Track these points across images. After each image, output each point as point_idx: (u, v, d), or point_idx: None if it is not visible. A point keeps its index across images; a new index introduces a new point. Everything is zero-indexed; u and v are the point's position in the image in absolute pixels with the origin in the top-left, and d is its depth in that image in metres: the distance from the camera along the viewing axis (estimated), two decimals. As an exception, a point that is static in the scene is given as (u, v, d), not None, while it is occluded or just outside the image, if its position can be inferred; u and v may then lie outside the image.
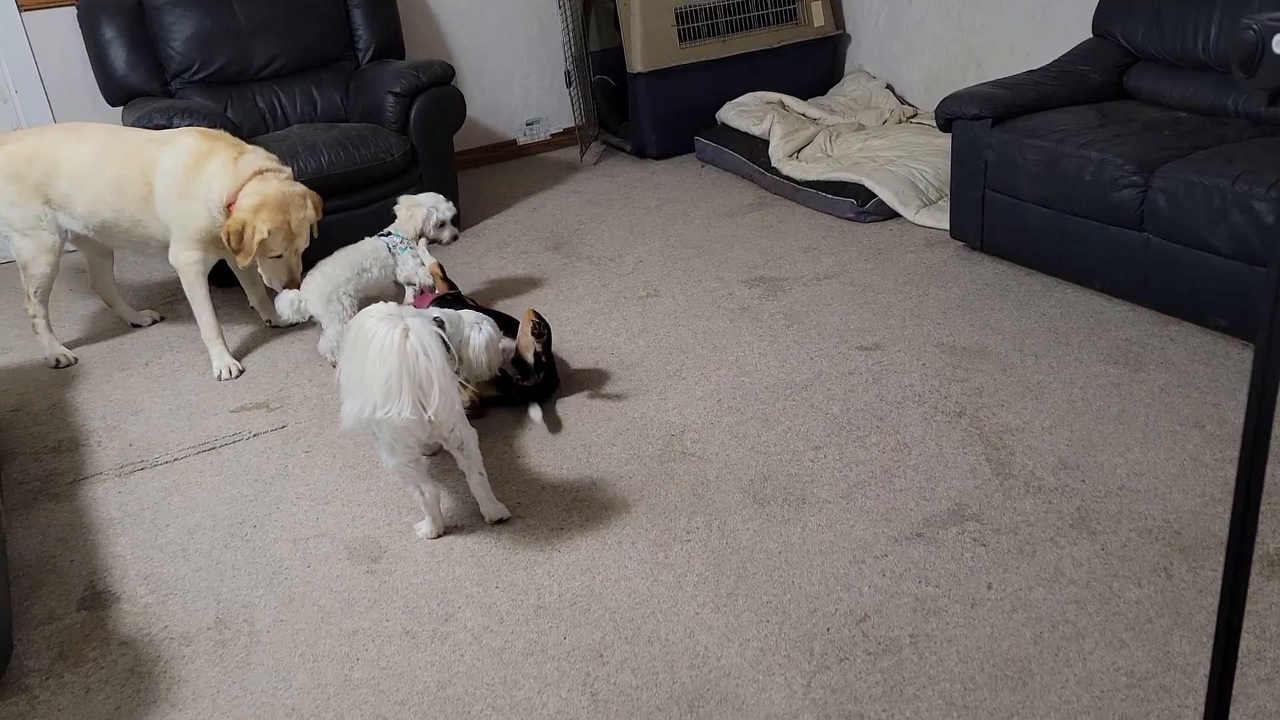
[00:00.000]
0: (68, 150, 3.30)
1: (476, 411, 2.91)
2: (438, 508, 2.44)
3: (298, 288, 3.29)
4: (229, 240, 3.16)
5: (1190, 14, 3.57)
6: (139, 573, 2.44)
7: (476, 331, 2.75)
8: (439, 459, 2.76)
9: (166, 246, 3.37)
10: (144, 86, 4.33)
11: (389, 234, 3.51)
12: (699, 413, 2.93)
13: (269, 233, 3.16)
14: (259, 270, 3.35)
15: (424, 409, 2.17)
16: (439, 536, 2.47)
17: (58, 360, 3.56)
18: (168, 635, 2.22)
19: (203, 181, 3.21)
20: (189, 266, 3.34)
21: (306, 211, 3.27)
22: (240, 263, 3.23)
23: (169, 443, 3.02)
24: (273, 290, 3.39)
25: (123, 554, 2.52)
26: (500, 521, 2.50)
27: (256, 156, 3.26)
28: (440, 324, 2.58)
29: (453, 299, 3.20)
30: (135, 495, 2.77)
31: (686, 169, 5.24)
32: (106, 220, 3.33)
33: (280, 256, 3.26)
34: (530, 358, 2.94)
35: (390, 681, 2.04)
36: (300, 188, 3.28)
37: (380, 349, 2.13)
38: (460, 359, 2.69)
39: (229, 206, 3.19)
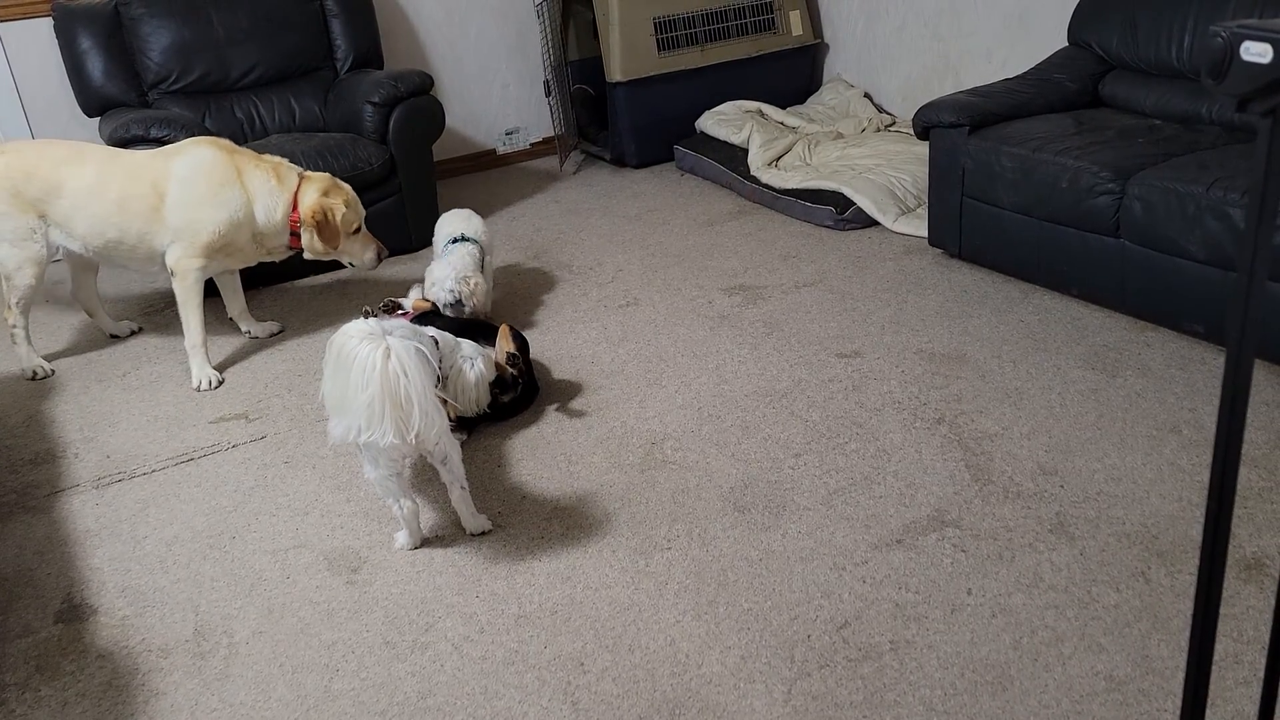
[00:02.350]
0: (69, 172, 3.31)
1: (458, 427, 2.90)
2: (416, 521, 2.43)
3: (388, 253, 3.61)
4: (318, 231, 3.37)
5: (1164, 23, 3.61)
6: (116, 585, 2.42)
7: (469, 366, 2.74)
8: (421, 470, 2.75)
9: None
10: (121, 97, 4.31)
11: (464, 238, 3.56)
12: (679, 421, 2.93)
13: (345, 207, 3.40)
14: (346, 261, 3.54)
15: (407, 430, 2.16)
16: (417, 548, 2.46)
17: (35, 372, 3.53)
18: (145, 648, 2.20)
19: (240, 192, 3.30)
20: (190, 272, 3.34)
21: (348, 187, 3.53)
22: (330, 249, 3.43)
23: (147, 454, 3.00)
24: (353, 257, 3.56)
25: (100, 566, 2.50)
26: (482, 534, 2.50)
27: (289, 166, 3.43)
28: (435, 343, 2.57)
29: (433, 315, 3.18)
30: (113, 507, 2.75)
31: (666, 178, 5.25)
32: (111, 239, 3.34)
33: (359, 230, 3.49)
34: (507, 376, 2.94)
35: (370, 692, 2.03)
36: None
37: (362, 371, 2.11)
38: (445, 384, 2.68)
39: (294, 217, 3.38)
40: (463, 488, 2.42)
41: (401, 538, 2.45)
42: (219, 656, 2.16)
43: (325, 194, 3.38)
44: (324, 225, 3.37)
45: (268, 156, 3.43)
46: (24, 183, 3.28)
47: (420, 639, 2.17)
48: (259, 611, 2.29)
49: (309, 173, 3.45)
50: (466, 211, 3.70)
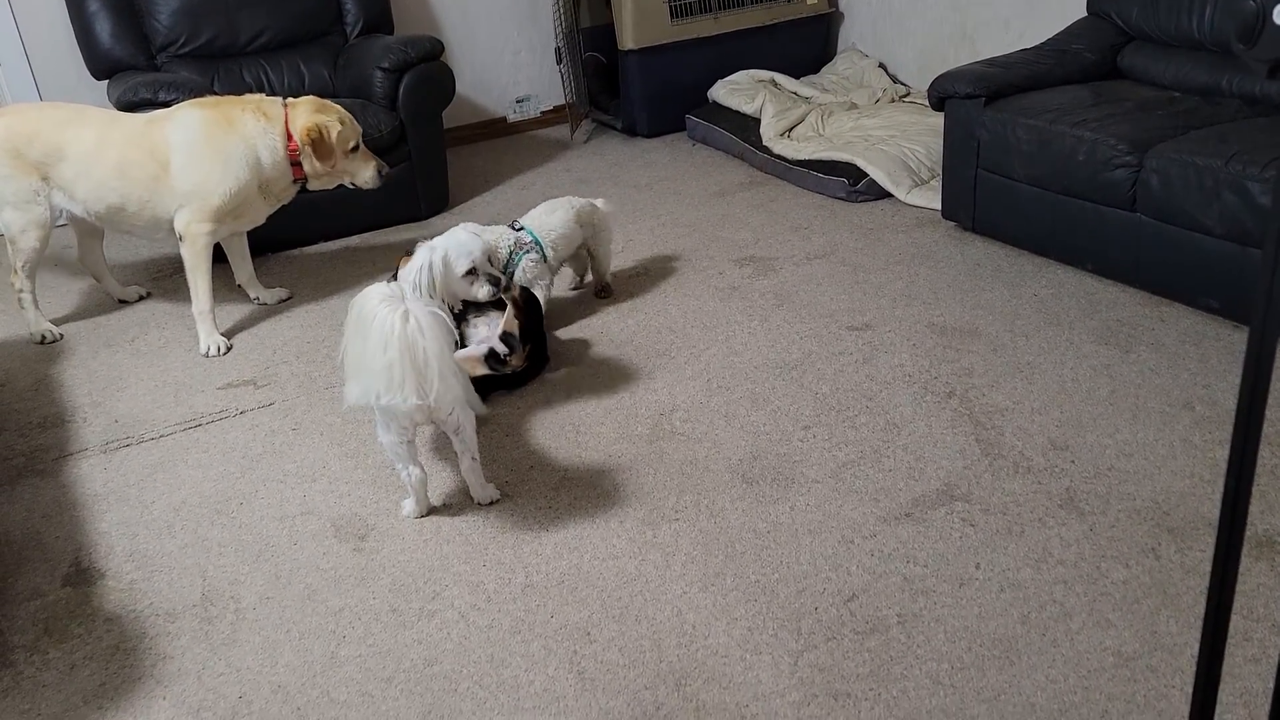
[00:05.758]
0: (71, 134, 3.29)
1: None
2: (423, 490, 2.42)
3: (390, 169, 3.57)
4: (314, 149, 3.31)
5: (1185, -7, 3.56)
6: (124, 549, 2.42)
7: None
8: (431, 439, 2.74)
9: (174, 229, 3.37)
10: (129, 60, 4.28)
11: (523, 227, 3.33)
12: (688, 392, 2.92)
13: (341, 125, 3.36)
14: (349, 181, 3.49)
15: (426, 393, 2.14)
16: (424, 517, 2.46)
17: (43, 336, 3.53)
18: (153, 612, 2.21)
19: (241, 143, 3.26)
20: (200, 237, 3.32)
21: (338, 106, 3.48)
22: (325, 169, 3.37)
23: (155, 419, 3.00)
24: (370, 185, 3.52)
25: (108, 530, 2.50)
26: (490, 504, 2.49)
27: (270, 100, 3.38)
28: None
29: None
30: (121, 472, 2.75)
31: (677, 147, 5.21)
32: (113, 204, 3.32)
33: (357, 148, 3.44)
34: (516, 331, 2.92)
35: (377, 659, 2.04)
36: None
37: (381, 334, 2.10)
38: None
39: (292, 146, 3.33)
40: (474, 458, 2.41)
41: (408, 505, 2.45)
42: (226, 621, 2.17)
43: (316, 113, 3.34)
44: (319, 142, 3.31)
45: (248, 96, 3.39)
46: (26, 145, 3.27)
47: (427, 607, 2.17)
48: (266, 577, 2.30)
49: (293, 99, 3.41)
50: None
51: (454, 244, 2.84)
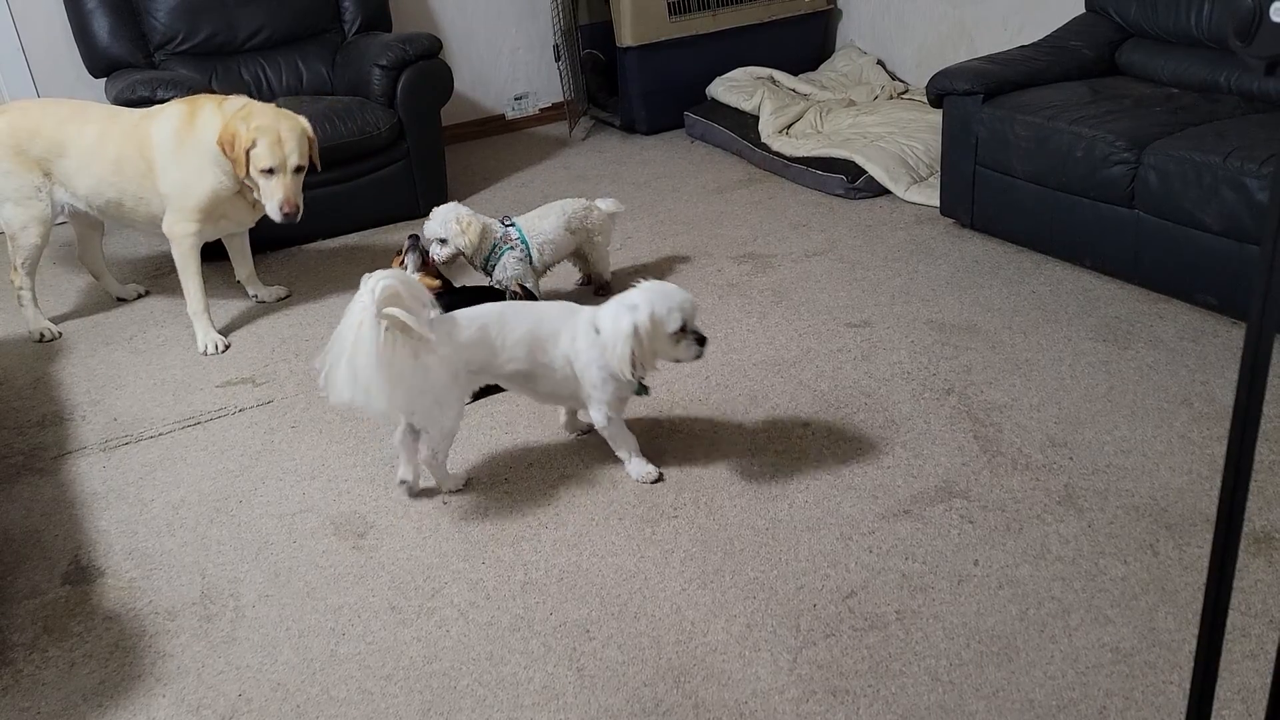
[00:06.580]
0: (73, 130, 3.29)
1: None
2: (412, 453, 2.46)
3: (298, 210, 3.17)
4: (224, 148, 3.13)
5: (1183, -10, 3.56)
6: (124, 548, 2.43)
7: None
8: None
9: None
10: (127, 58, 4.28)
11: (513, 224, 3.36)
12: (687, 389, 2.92)
13: (255, 139, 3.07)
14: (259, 200, 3.22)
15: (354, 396, 2.18)
16: (412, 484, 2.49)
17: (42, 334, 3.53)
18: (153, 610, 2.21)
19: (198, 137, 3.20)
20: (184, 238, 3.31)
21: (297, 123, 3.19)
22: (237, 172, 3.14)
23: (154, 417, 3.00)
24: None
25: (107, 529, 2.50)
26: (451, 493, 2.52)
27: (234, 98, 3.26)
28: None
29: (446, 293, 3.15)
30: (120, 470, 2.75)
31: (676, 144, 5.21)
32: (111, 199, 3.33)
33: (273, 171, 3.12)
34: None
35: (376, 656, 2.04)
36: (290, 112, 3.23)
37: (340, 329, 2.17)
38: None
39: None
40: (433, 454, 2.44)
41: (401, 470, 2.49)
42: (225, 619, 2.17)
43: (245, 118, 3.10)
44: (225, 149, 3.11)
45: (232, 96, 3.27)
46: (28, 141, 3.27)
47: (426, 604, 2.17)
48: (265, 575, 2.30)
49: (259, 103, 3.20)
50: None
51: (659, 297, 2.29)
